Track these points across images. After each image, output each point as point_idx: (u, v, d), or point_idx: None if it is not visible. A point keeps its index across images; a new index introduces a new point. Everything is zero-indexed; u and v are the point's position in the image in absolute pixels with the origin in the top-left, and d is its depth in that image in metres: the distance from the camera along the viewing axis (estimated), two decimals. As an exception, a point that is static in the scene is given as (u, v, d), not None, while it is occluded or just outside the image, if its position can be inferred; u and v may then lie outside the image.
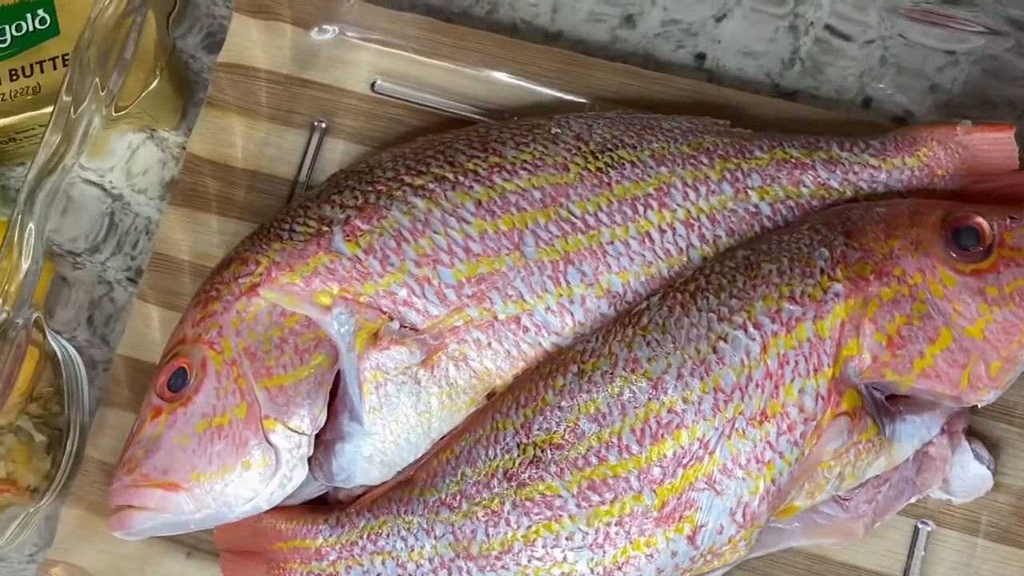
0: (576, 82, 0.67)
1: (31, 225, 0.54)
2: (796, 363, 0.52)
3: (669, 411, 0.52)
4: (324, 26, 0.69)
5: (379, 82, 0.68)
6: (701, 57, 0.69)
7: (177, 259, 0.66)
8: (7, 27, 0.69)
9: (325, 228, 0.58)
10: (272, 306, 0.57)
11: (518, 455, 0.54)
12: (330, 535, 0.56)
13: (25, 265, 0.54)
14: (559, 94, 0.67)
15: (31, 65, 0.68)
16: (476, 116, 0.67)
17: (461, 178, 0.58)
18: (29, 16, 0.69)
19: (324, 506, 0.59)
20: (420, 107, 0.68)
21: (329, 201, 0.59)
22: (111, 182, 0.70)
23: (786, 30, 0.67)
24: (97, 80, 0.56)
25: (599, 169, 0.58)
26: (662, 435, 0.52)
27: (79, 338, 0.66)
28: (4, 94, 0.67)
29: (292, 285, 0.57)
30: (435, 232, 0.57)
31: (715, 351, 0.53)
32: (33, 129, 0.68)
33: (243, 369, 0.56)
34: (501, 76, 0.68)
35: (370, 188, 0.59)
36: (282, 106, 0.68)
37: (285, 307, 0.57)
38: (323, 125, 0.68)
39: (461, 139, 0.60)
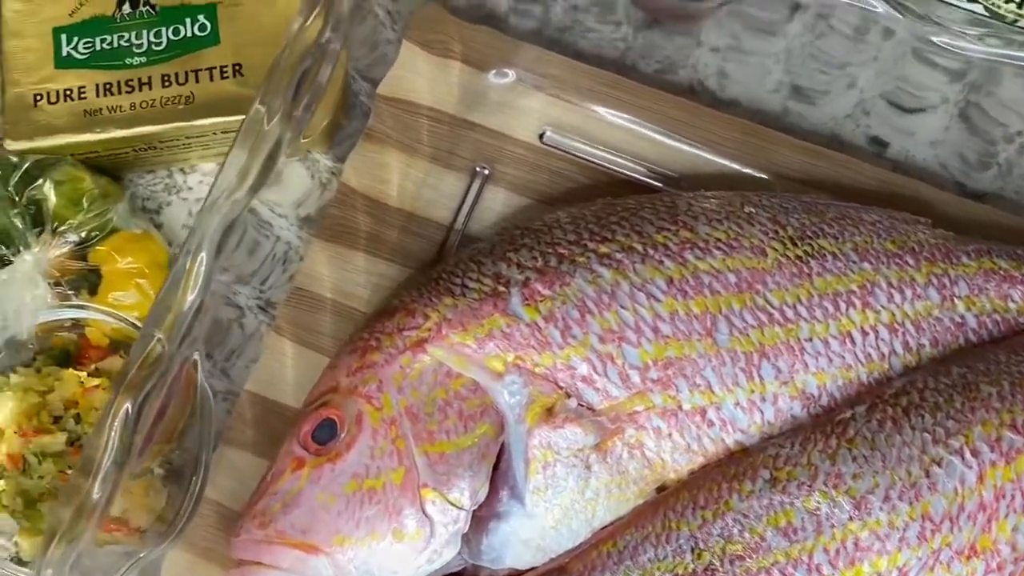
0: (757, 156, 0.64)
1: (203, 255, 0.50)
2: (1012, 497, 0.49)
3: (871, 534, 0.48)
4: (496, 68, 0.65)
5: (548, 133, 0.64)
6: (882, 144, 0.65)
7: (319, 295, 0.62)
8: (164, 29, 0.65)
9: (502, 288, 0.54)
10: (438, 365, 0.53)
11: (691, 560, 0.50)
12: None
13: (190, 298, 0.50)
14: (737, 166, 0.64)
15: (186, 73, 0.64)
16: (647, 179, 0.64)
17: (650, 251, 0.54)
18: (188, 21, 0.65)
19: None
20: (588, 163, 0.64)
21: (505, 259, 0.55)
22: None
23: (983, 132, 0.63)
24: (286, 107, 0.51)
25: (798, 258, 0.55)
26: (859, 559, 0.48)
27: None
28: (154, 100, 0.64)
29: (463, 345, 0.53)
30: (622, 307, 0.53)
31: (928, 475, 0.49)
32: (177, 140, 0.64)
33: (403, 430, 0.52)
34: (676, 140, 0.64)
35: (550, 250, 0.55)
36: (443, 146, 0.64)
37: (452, 368, 0.53)
38: (485, 171, 0.64)
39: (647, 207, 0.57)
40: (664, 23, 0.65)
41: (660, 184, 0.64)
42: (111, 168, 0.66)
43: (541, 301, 0.54)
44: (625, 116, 0.64)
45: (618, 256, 0.55)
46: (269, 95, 0.51)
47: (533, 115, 0.65)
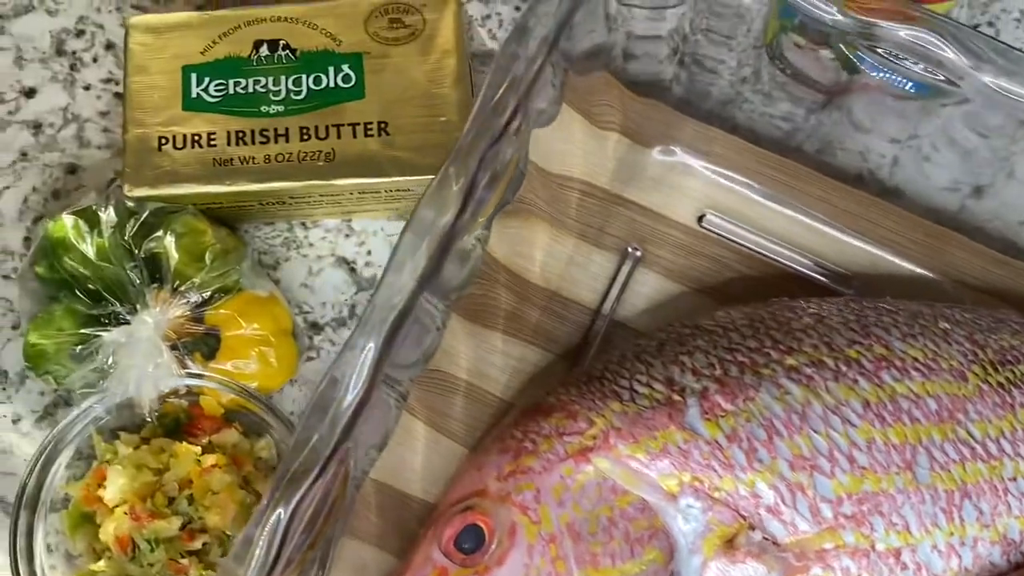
0: (932, 257, 0.59)
1: (370, 347, 0.45)
2: None
3: None
4: (656, 142, 0.60)
5: (708, 215, 0.60)
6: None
7: (453, 376, 0.57)
8: (304, 77, 0.60)
9: (677, 397, 0.49)
10: (603, 478, 0.49)
11: None
12: None
13: (350, 397, 0.45)
14: (911, 266, 0.59)
15: (327, 127, 0.59)
16: (814, 275, 0.59)
17: (843, 367, 0.50)
18: (331, 70, 0.60)
19: None
20: (750, 252, 0.59)
21: (677, 362, 0.51)
22: (369, 259, 0.62)
23: None
24: (467, 189, 0.46)
25: (1000, 385, 0.50)
26: None
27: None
28: (291, 154, 0.58)
29: (633, 459, 0.49)
30: (815, 431, 0.48)
31: None
32: (310, 197, 0.59)
33: (564, 550, 0.47)
34: (846, 234, 0.59)
35: (729, 356, 0.50)
36: (594, 223, 0.60)
37: (619, 483, 0.48)
38: (638, 253, 0.59)
39: (834, 315, 0.52)
40: (833, 101, 0.60)
41: (827, 281, 0.59)
42: (228, 218, 0.61)
43: (723, 416, 0.49)
44: (791, 203, 0.60)
45: (807, 371, 0.50)
46: (451, 176, 0.46)
47: (692, 195, 0.60)
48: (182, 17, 0.61)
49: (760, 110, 0.62)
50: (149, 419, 0.55)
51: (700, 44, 0.58)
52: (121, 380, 0.53)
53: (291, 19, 0.61)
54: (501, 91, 0.47)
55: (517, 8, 0.66)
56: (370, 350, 0.45)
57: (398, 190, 0.59)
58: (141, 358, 0.53)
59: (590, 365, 0.53)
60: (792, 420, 0.49)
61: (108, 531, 0.52)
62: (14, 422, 0.61)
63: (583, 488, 0.49)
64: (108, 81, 0.66)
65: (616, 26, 0.55)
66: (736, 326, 0.52)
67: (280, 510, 0.43)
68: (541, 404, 0.52)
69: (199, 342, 0.57)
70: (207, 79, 0.60)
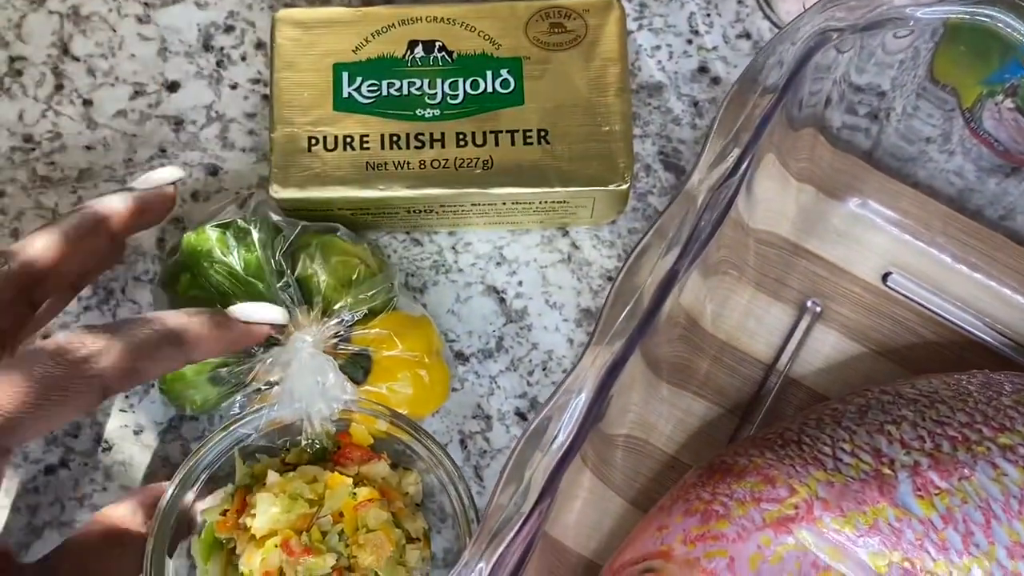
0: (1126, 338, 0.56)
1: (582, 398, 0.42)
2: None
3: None
4: (841, 195, 0.57)
5: (893, 275, 0.56)
6: None
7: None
8: (461, 81, 0.57)
9: (887, 471, 0.46)
10: (804, 551, 0.45)
11: None
12: None
13: (556, 444, 0.41)
14: (1102, 347, 0.56)
15: (484, 133, 0.56)
16: (1002, 347, 0.56)
17: (1062, 451, 0.46)
18: (489, 74, 0.57)
19: None
20: (936, 317, 0.56)
21: (884, 432, 0.47)
22: (520, 290, 0.59)
23: None
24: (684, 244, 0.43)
25: None
26: None
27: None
28: (447, 160, 0.55)
29: (841, 533, 0.45)
30: (1035, 517, 0.45)
31: None
32: (462, 206, 0.56)
33: (761, 626, 0.44)
34: (1035, 306, 0.56)
35: (939, 430, 0.47)
36: (772, 273, 0.56)
37: (822, 557, 0.45)
38: (818, 309, 0.56)
39: (1046, 392, 0.49)
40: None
41: (1014, 354, 0.56)
42: (368, 225, 0.58)
43: (937, 495, 0.45)
44: (979, 267, 0.56)
45: (1023, 451, 0.46)
46: (676, 218, 0.43)
47: (877, 252, 0.57)
48: (333, 13, 0.58)
49: (942, 167, 0.59)
50: (315, 442, 0.51)
51: (896, 100, 0.55)
52: (291, 398, 0.50)
53: (448, 20, 0.58)
54: (731, 136, 0.44)
55: (689, 41, 0.63)
56: (583, 400, 0.41)
57: (554, 202, 0.56)
58: (310, 375, 0.50)
59: (783, 427, 0.49)
60: (1011, 504, 0.45)
61: (252, 562, 0.49)
62: (136, 433, 0.58)
63: (782, 560, 0.45)
64: (256, 81, 0.63)
65: (827, 75, 0.52)
66: (942, 397, 0.49)
67: (482, 564, 0.40)
68: (731, 465, 0.48)
69: (350, 364, 0.53)
70: (359, 79, 0.56)
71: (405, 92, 0.56)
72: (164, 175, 0.54)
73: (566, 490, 0.51)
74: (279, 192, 0.55)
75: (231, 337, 0.49)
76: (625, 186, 0.55)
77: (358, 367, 0.54)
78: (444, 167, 0.55)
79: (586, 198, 0.55)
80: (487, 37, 0.57)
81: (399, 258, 0.60)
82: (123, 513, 0.50)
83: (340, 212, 0.56)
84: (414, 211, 0.57)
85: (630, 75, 0.60)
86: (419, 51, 0.57)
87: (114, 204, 0.52)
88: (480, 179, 0.55)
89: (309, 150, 0.55)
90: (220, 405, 0.53)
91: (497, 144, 0.55)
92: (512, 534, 0.40)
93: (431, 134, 0.56)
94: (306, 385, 0.49)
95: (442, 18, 0.58)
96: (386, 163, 0.55)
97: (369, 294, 0.53)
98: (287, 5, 0.64)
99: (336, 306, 0.53)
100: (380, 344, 0.53)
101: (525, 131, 0.56)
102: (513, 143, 0.55)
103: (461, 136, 0.56)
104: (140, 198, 0.53)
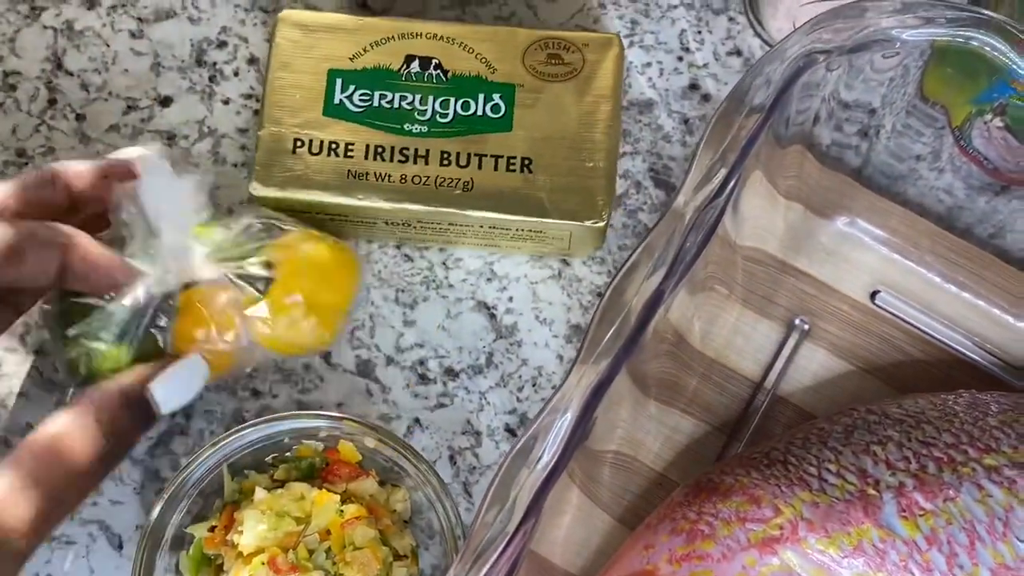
0: (1112, 357, 0.56)
1: (568, 415, 0.42)
2: None
3: None
4: (830, 213, 0.57)
5: (881, 293, 0.57)
6: None
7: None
8: (452, 100, 0.57)
9: (872, 492, 0.46)
10: (788, 571, 0.45)
11: None
12: None
13: (541, 464, 0.42)
14: (1089, 366, 0.56)
15: (468, 155, 0.56)
16: (989, 366, 0.56)
17: (1047, 472, 0.47)
18: (481, 97, 0.57)
19: None
20: (924, 335, 0.56)
21: (869, 452, 0.48)
22: (511, 306, 0.59)
23: None
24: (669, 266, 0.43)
25: None
26: None
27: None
28: (428, 177, 0.55)
29: (825, 554, 0.45)
30: (1019, 539, 0.45)
31: None
32: (439, 224, 0.56)
33: (746, 648, 0.44)
34: (1022, 322, 0.56)
35: (924, 451, 0.47)
36: (760, 291, 0.57)
37: (806, 578, 0.45)
38: (806, 326, 0.56)
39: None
40: (1012, 188, 0.58)
41: (1001, 373, 0.56)
42: (351, 233, 0.58)
43: (921, 516, 0.46)
44: (968, 286, 0.57)
45: (1008, 473, 0.47)
46: (662, 237, 0.43)
47: (866, 271, 0.57)
48: (335, 19, 0.58)
49: (932, 185, 0.59)
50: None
51: (885, 117, 0.55)
52: (143, 236, 0.47)
53: (447, 39, 0.58)
54: (717, 156, 0.44)
55: (680, 58, 0.63)
56: (568, 420, 0.42)
57: (531, 231, 0.56)
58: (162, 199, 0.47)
59: (770, 447, 0.49)
60: (995, 526, 0.45)
61: (239, 580, 0.49)
62: (126, 447, 0.57)
63: (767, 581, 0.45)
64: (249, 97, 0.63)
65: (815, 92, 0.52)
66: (928, 418, 0.49)
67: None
68: (717, 484, 0.48)
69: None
70: (352, 87, 0.57)
71: (396, 105, 0.57)
72: (130, 152, 0.51)
73: (553, 507, 0.51)
74: (259, 190, 0.55)
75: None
76: (601, 224, 0.55)
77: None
78: (425, 184, 0.55)
79: (563, 231, 0.55)
80: (484, 60, 0.58)
81: (389, 273, 0.60)
82: None
83: (319, 216, 0.57)
84: (392, 223, 0.57)
85: (622, 92, 0.60)
86: (415, 66, 0.58)
87: (73, 164, 0.49)
88: (459, 200, 0.55)
89: (294, 152, 0.56)
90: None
91: (480, 167, 0.56)
92: (497, 554, 0.41)
93: (416, 149, 0.56)
94: (159, 211, 0.47)
95: (442, 36, 0.58)
96: (368, 173, 0.55)
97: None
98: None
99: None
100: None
101: (509, 158, 0.56)
102: (496, 168, 0.56)
103: (445, 155, 0.56)
104: (103, 163, 0.50)
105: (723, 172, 0.45)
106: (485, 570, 0.40)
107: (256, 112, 0.63)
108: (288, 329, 0.48)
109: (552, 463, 0.41)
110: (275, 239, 0.49)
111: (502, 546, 0.41)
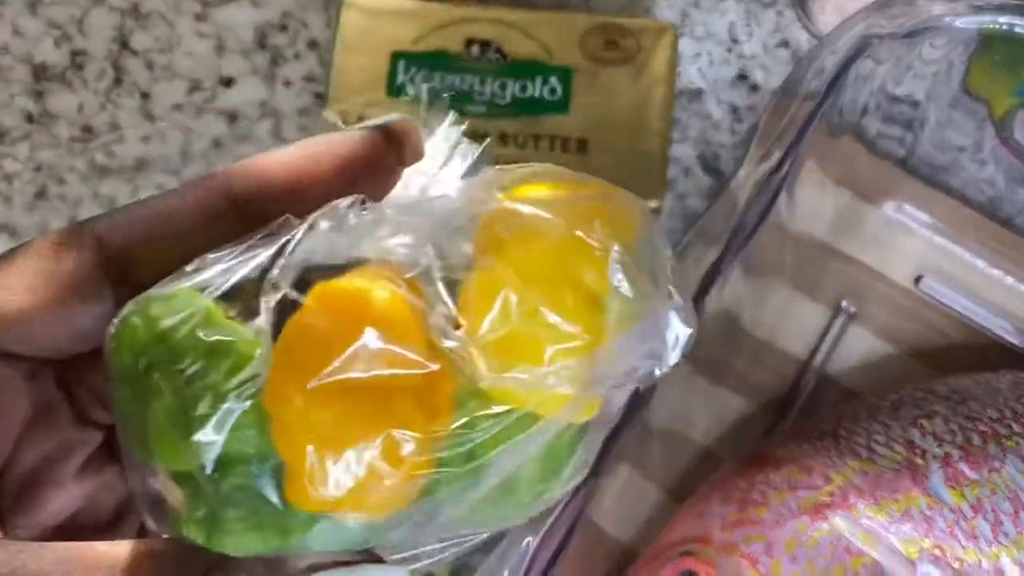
0: None
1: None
2: None
3: None
4: (877, 199, 0.59)
5: (926, 278, 0.58)
6: None
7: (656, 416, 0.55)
8: (511, 82, 0.58)
9: (919, 461, 0.48)
10: (838, 537, 0.47)
11: None
12: None
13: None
14: None
15: (525, 136, 0.58)
16: (1028, 351, 0.57)
17: (1090, 447, 0.48)
18: (539, 80, 0.59)
19: None
20: (967, 321, 0.58)
21: (917, 425, 0.49)
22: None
23: None
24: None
25: None
26: None
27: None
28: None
29: (874, 520, 0.47)
30: (1063, 510, 0.46)
31: None
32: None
33: (796, 608, 0.45)
34: (1063, 311, 0.58)
35: (970, 425, 0.49)
36: (808, 273, 0.58)
37: (855, 543, 0.47)
38: (852, 310, 0.57)
39: (1071, 393, 0.50)
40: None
41: (1043, 357, 0.57)
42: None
43: (967, 485, 0.47)
44: (1012, 272, 0.58)
45: (1052, 447, 0.48)
46: (717, 214, 0.45)
47: (911, 256, 0.58)
48: (398, 3, 0.60)
49: (975, 176, 0.60)
50: None
51: (930, 110, 0.57)
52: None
53: (507, 23, 0.60)
54: (775, 138, 0.46)
55: (728, 49, 0.65)
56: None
57: None
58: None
59: (819, 421, 0.51)
60: (1039, 496, 0.47)
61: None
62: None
63: (817, 545, 0.47)
64: (310, 79, 0.65)
65: (864, 85, 0.54)
66: (973, 395, 0.50)
67: (530, 538, 0.42)
68: (768, 455, 0.50)
69: None
70: (415, 68, 0.58)
71: (455, 87, 0.58)
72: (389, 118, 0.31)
73: (604, 477, 0.53)
74: None
75: None
76: (657, 204, 0.56)
77: None
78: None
79: None
80: (542, 44, 0.59)
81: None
82: None
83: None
84: (449, 198, 0.59)
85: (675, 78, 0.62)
86: (475, 49, 0.59)
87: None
88: None
89: None
90: None
91: (536, 148, 0.57)
92: (560, 509, 0.42)
93: (475, 131, 0.58)
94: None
95: (502, 20, 0.60)
96: None
97: None
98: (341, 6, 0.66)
99: None
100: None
101: (564, 139, 0.57)
102: (552, 148, 0.57)
103: (503, 136, 0.57)
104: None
105: (779, 154, 0.47)
106: (548, 524, 0.42)
107: (317, 95, 0.64)
108: None
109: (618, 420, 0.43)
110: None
111: (565, 501, 0.42)
